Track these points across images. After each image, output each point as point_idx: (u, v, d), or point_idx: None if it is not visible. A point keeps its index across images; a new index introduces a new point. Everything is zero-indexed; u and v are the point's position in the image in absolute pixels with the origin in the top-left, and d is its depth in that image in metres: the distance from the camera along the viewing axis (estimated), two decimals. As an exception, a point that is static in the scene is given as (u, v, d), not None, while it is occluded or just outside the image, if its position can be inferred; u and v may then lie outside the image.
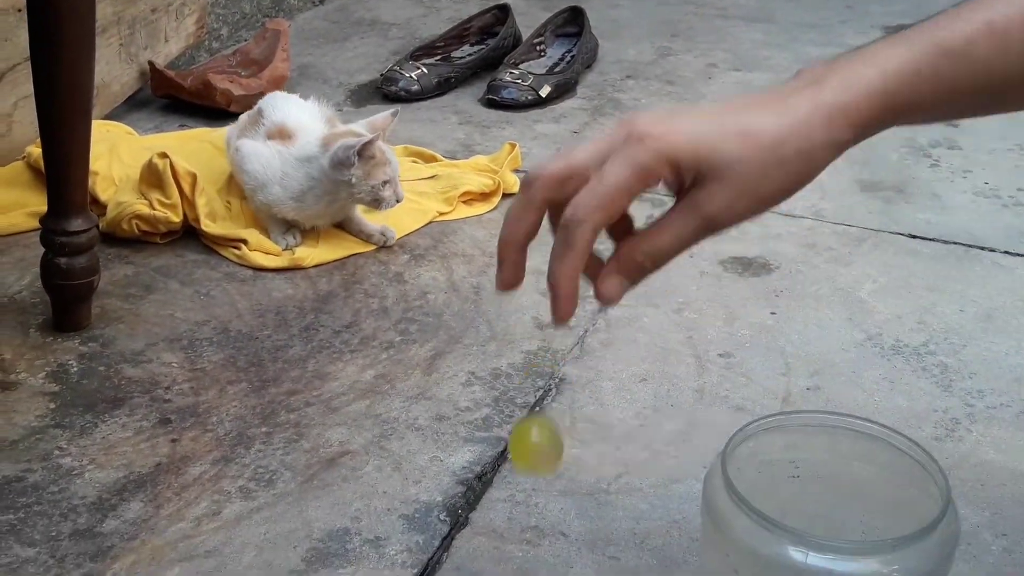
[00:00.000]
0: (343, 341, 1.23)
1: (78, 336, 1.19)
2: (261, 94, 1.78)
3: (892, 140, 1.71)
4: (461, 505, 0.98)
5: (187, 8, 1.86)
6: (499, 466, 1.04)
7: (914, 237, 1.50)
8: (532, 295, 1.34)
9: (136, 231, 1.38)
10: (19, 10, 1.47)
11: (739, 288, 1.37)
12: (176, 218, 1.39)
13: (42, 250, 1.17)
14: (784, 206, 1.62)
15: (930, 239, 1.50)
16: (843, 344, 1.26)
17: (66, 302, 1.19)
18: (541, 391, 1.16)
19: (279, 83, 1.85)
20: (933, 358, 1.23)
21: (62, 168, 1.12)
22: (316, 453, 1.04)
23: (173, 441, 1.04)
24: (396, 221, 1.49)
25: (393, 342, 1.23)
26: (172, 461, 1.02)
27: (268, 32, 1.91)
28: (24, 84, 1.50)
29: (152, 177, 1.41)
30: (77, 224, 1.14)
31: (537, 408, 1.12)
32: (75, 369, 1.14)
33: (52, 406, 1.08)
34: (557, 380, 1.18)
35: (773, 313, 1.32)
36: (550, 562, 0.92)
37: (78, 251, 1.16)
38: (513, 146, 1.66)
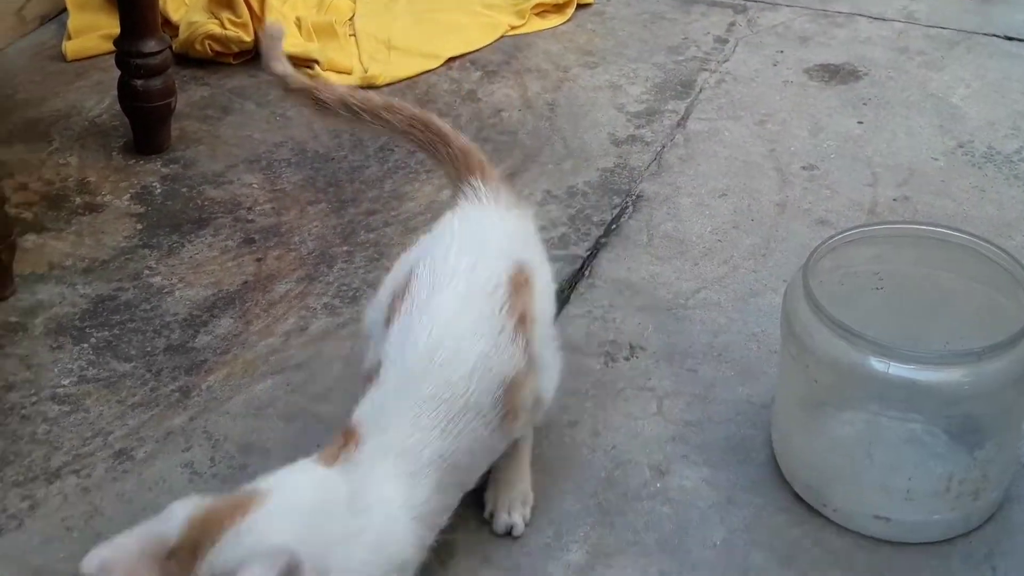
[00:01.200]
0: (418, 161, 1.23)
1: (159, 158, 1.21)
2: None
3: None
4: (540, 320, 0.99)
5: None
6: (577, 283, 1.04)
7: (1010, 39, 1.42)
8: (608, 111, 1.31)
9: (209, 52, 1.38)
10: None
11: (825, 97, 1.32)
12: (247, 37, 1.38)
13: (118, 73, 1.18)
14: (874, 7, 1.54)
15: (1030, 41, 1.42)
16: (932, 152, 1.21)
17: (146, 124, 1.20)
18: (618, 208, 1.15)
19: None
20: (1027, 166, 1.18)
21: (132, -12, 1.11)
22: (396, 271, 1.05)
23: (258, 260, 1.07)
24: (467, 35, 1.46)
25: (469, 160, 1.22)
26: (258, 279, 1.04)
27: None
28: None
29: (221, -5, 1.39)
30: (151, 46, 1.14)
31: (614, 226, 1.12)
32: (159, 191, 1.16)
33: (139, 227, 1.11)
34: (634, 197, 1.16)
35: (860, 122, 1.27)
36: (628, 374, 0.94)
37: (154, 72, 1.16)
38: (587, -47, 1.59)
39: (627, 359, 0.95)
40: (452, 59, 1.43)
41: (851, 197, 1.15)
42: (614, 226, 1.12)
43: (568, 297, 1.02)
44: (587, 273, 1.05)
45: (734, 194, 1.16)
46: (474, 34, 1.47)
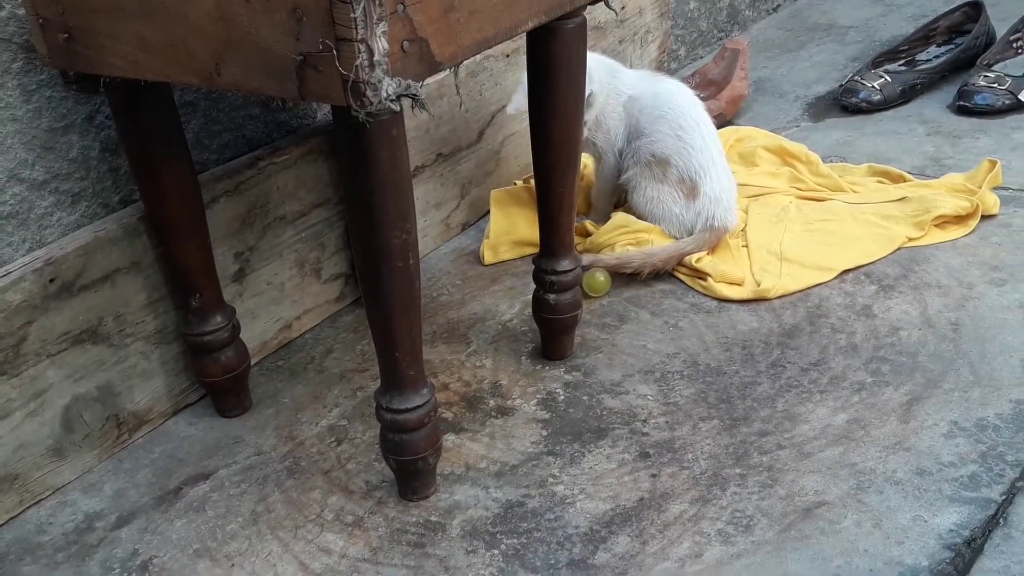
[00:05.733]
0: (811, 380, 1.22)
1: (563, 364, 1.29)
2: (721, 115, 1.82)
3: None
4: (949, 572, 0.94)
5: (651, 35, 1.93)
6: (991, 531, 0.98)
7: None
8: (1020, 334, 1.24)
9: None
10: (507, 56, 1.61)
11: None
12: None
13: (530, 280, 1.28)
14: None
15: None
16: None
17: (553, 333, 1.29)
18: (1036, 448, 1.07)
19: (737, 102, 1.87)
20: None
21: (554, 215, 1.22)
22: (792, 501, 1.04)
23: (653, 476, 1.10)
24: (861, 247, 1.45)
25: (864, 383, 1.20)
26: (653, 497, 1.07)
27: (727, 51, 1.93)
28: (510, 124, 1.65)
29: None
30: (565, 264, 1.24)
31: None
32: (561, 397, 1.24)
33: (544, 433, 1.18)
34: (1054, 437, 1.08)
35: None
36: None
37: (565, 288, 1.25)
38: (993, 163, 1.55)
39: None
40: (846, 271, 1.42)
41: None
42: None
43: (981, 547, 0.96)
44: (1002, 521, 0.99)
45: None
46: (869, 246, 1.46)
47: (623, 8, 1.85)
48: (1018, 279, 1.35)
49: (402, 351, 1.00)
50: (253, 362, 1.31)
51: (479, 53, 0.95)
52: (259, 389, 1.28)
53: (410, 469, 1.06)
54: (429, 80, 0.99)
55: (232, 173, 1.26)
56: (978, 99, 1.79)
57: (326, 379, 1.29)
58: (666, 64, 2.05)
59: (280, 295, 1.34)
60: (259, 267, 1.31)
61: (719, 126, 1.79)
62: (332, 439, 1.19)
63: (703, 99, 1.86)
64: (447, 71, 0.94)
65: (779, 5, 2.37)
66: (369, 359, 1.31)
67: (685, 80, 1.96)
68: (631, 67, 1.92)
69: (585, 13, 1.12)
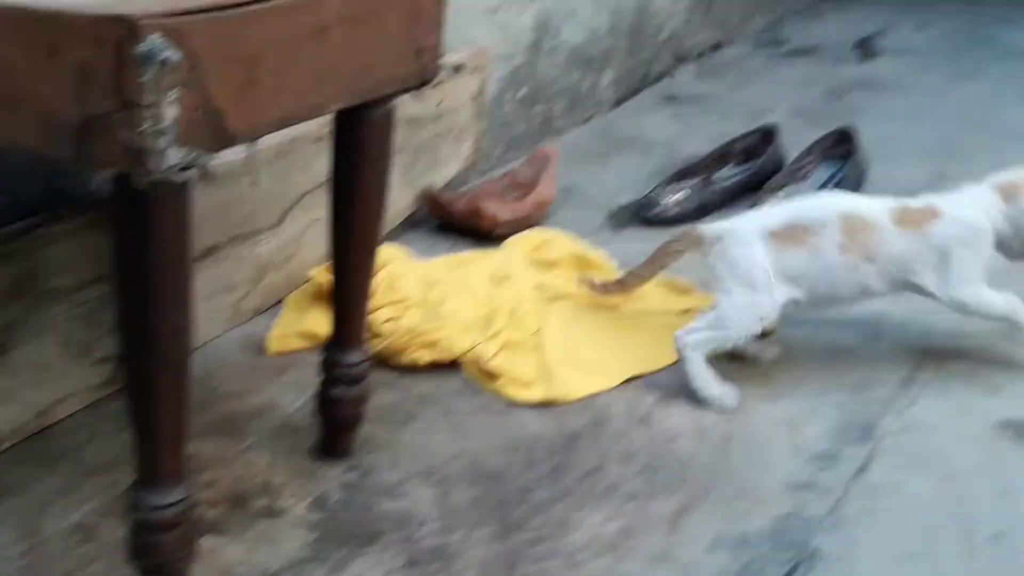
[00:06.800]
0: (588, 487, 1.24)
1: (342, 463, 1.26)
2: (527, 218, 1.86)
3: None
4: None
5: (465, 133, 1.96)
6: (741, 648, 1.00)
7: None
8: (784, 450, 1.30)
9: (417, 362, 1.45)
10: (318, 139, 1.60)
11: (1015, 457, 1.27)
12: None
13: (317, 372, 1.25)
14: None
15: None
16: None
17: (336, 430, 1.26)
18: (791, 564, 1.11)
19: (544, 207, 1.91)
20: None
21: (347, 303, 1.20)
22: (556, 612, 1.04)
23: (420, 584, 1.08)
24: (648, 355, 1.49)
25: (637, 492, 1.22)
26: (418, 606, 1.05)
27: (538, 157, 1.97)
28: (315, 209, 1.63)
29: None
30: (354, 357, 1.22)
31: (785, 582, 1.08)
32: (336, 498, 1.21)
33: (312, 537, 1.14)
34: (809, 553, 1.12)
35: (1055, 491, 1.20)
36: None
37: (352, 382, 1.23)
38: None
39: None
40: (631, 378, 1.45)
41: (1045, 580, 1.07)
42: (786, 584, 1.08)
43: (731, 664, 0.98)
44: None
45: (917, 560, 1.11)
46: (655, 354, 1.50)
47: (440, 104, 1.88)
48: (788, 396, 1.41)
49: (161, 441, 0.95)
50: (3, 448, 1.22)
51: (279, 130, 0.93)
52: (6, 478, 1.19)
53: (157, 575, 0.99)
54: (233, 155, 0.97)
55: (2, 239, 1.19)
56: (766, 220, 1.88)
57: (82, 470, 1.22)
58: (479, 164, 2.09)
59: (42, 375, 1.26)
60: (21, 344, 1.23)
61: (525, 228, 1.83)
62: (78, 537, 1.11)
63: (511, 201, 1.90)
64: (244, 146, 0.92)
65: (591, 116, 2.46)
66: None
67: (497, 180, 2.00)
68: (443, 164, 1.95)
69: (399, 103, 1.12)
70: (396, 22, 1.04)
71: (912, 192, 1.50)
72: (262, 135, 0.90)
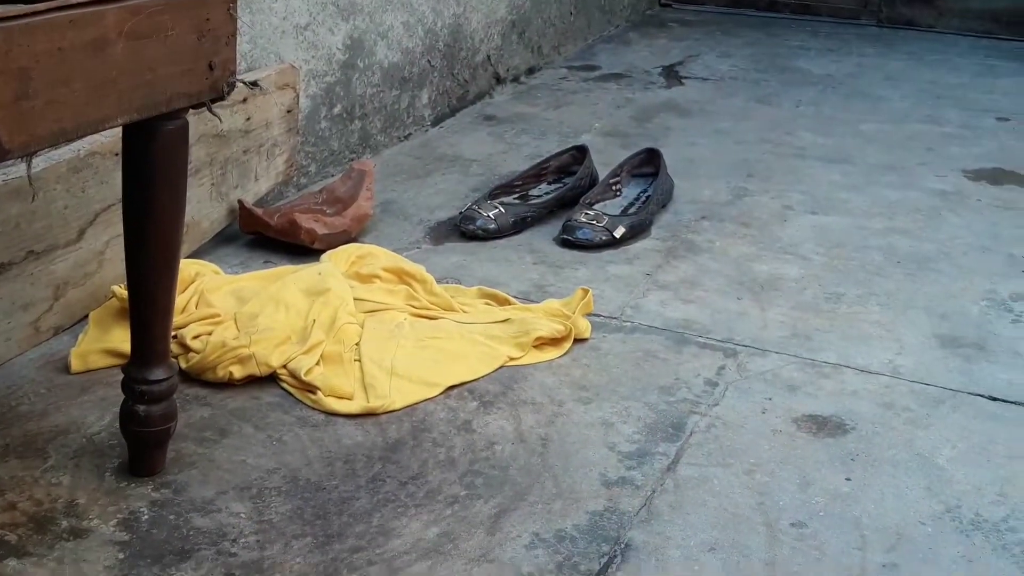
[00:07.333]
0: (408, 494, 1.23)
1: (152, 481, 1.22)
2: (345, 232, 1.85)
3: (973, 292, 1.68)
4: None
5: (278, 148, 1.94)
6: (560, 640, 1.02)
7: (995, 400, 1.46)
8: (600, 449, 1.33)
9: (230, 377, 1.41)
10: (116, 154, 1.54)
11: (814, 450, 1.34)
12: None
13: (119, 390, 1.21)
14: (860, 359, 1.60)
15: (1012, 402, 1.46)
16: (920, 516, 1.22)
17: (143, 448, 1.21)
18: (606, 557, 1.14)
19: (362, 221, 1.90)
20: (1014, 535, 1.18)
21: (147, 319, 1.16)
22: (376, 618, 1.03)
23: (236, 598, 1.05)
24: (467, 364, 1.51)
25: (458, 496, 1.23)
26: (233, 620, 1.02)
27: (354, 171, 1.97)
28: (117, 224, 1.57)
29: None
30: (158, 374, 1.18)
31: None
32: (146, 517, 1.16)
33: (121, 556, 1.10)
34: (623, 546, 1.16)
35: (848, 479, 1.28)
36: None
37: (157, 399, 1.19)
38: (586, 292, 1.68)
39: None
40: (452, 387, 1.47)
41: (840, 560, 1.14)
42: (600, 578, 1.11)
43: (550, 657, 1.00)
44: None
45: (723, 550, 1.16)
46: (475, 363, 1.51)
47: (248, 120, 1.85)
48: (602, 398, 1.45)
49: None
50: None
51: (58, 144, 0.90)
52: None
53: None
54: (20, 171, 0.92)
55: None
56: (579, 234, 1.94)
57: None
58: (295, 179, 2.06)
59: None
60: None
61: (343, 243, 1.82)
62: None
63: (329, 216, 1.88)
64: (20, 161, 0.88)
65: (410, 134, 2.47)
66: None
67: (313, 195, 1.98)
68: (256, 179, 1.91)
69: (204, 118, 1.10)
70: (184, 37, 1.02)
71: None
72: (39, 149, 0.87)
